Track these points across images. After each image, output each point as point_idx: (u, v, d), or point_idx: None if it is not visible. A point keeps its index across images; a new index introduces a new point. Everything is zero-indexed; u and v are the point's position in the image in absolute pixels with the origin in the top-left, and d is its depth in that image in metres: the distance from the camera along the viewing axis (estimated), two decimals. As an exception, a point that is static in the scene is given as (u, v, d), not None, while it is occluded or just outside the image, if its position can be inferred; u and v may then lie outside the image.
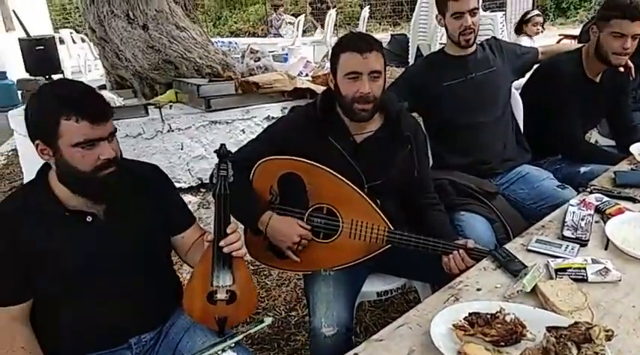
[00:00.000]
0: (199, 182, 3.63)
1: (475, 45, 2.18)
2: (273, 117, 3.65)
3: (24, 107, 1.32)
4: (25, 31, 7.83)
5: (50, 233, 1.28)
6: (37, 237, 1.27)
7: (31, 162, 3.72)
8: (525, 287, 1.22)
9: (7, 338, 1.26)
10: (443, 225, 1.74)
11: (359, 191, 1.63)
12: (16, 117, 3.75)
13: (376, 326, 2.13)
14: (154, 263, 1.43)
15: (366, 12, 9.23)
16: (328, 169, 1.62)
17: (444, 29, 2.22)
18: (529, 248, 1.45)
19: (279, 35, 10.56)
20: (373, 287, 1.79)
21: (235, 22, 14.87)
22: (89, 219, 1.32)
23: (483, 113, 2.15)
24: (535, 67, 2.41)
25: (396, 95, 1.84)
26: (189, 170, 3.58)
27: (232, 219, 1.38)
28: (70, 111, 1.19)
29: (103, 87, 4.27)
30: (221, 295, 1.34)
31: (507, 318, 1.07)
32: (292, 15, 11.72)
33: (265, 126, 3.64)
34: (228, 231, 1.33)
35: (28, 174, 3.84)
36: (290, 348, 2.10)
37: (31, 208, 1.29)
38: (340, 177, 1.62)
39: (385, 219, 1.62)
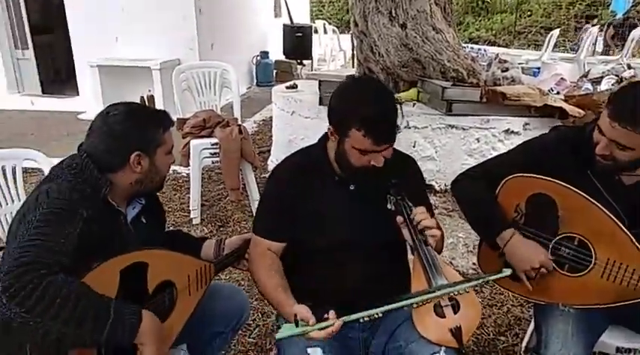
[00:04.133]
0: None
1: None
2: (512, 131, 3.48)
3: (332, 93, 1.49)
4: (290, 18, 8.91)
5: (320, 192, 1.48)
6: (307, 192, 1.47)
7: (282, 132, 4.24)
8: None
9: (268, 261, 1.49)
10: None
11: (626, 230, 1.44)
12: (277, 93, 4.32)
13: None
14: (396, 243, 1.50)
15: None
16: (591, 199, 1.47)
17: None
18: None
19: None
20: (614, 340, 1.59)
21: (477, 29, 14.50)
22: (352, 187, 1.48)
23: None
24: None
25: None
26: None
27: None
28: (363, 128, 1.34)
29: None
30: (444, 303, 1.36)
31: None
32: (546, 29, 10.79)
33: (502, 138, 3.53)
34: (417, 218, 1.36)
35: (278, 141, 4.38)
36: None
37: (309, 167, 1.50)
38: (605, 210, 1.46)
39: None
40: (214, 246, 1.63)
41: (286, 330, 1.27)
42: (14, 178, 2.30)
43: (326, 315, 1.27)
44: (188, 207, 3.57)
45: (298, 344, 1.33)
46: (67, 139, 5.15)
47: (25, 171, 2.31)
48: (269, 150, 4.72)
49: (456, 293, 1.33)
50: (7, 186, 2.29)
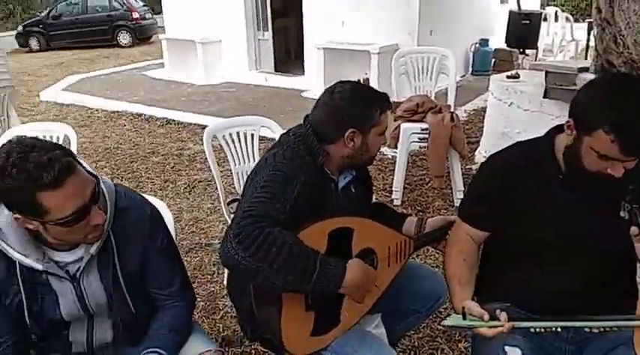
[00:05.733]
0: None
1: None
2: None
3: (584, 84, 1.34)
4: (519, 4, 8.32)
5: (540, 188, 1.38)
6: (524, 187, 1.39)
7: (496, 123, 4.05)
8: None
9: (463, 246, 1.48)
10: None
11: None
12: (496, 82, 4.11)
13: None
14: (623, 255, 1.35)
15: None
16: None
17: None
18: None
19: None
20: None
21: None
22: (577, 187, 1.35)
23: None
24: None
25: None
26: None
27: None
28: (613, 132, 1.18)
29: (585, 69, 4.13)
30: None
31: None
32: None
33: None
34: None
35: (490, 133, 4.21)
36: None
37: (530, 161, 1.41)
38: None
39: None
40: (415, 223, 1.67)
41: (454, 320, 1.28)
42: (252, 141, 2.67)
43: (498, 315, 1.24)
44: (390, 187, 3.68)
45: (495, 340, 1.30)
46: (291, 113, 5.74)
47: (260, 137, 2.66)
48: (478, 141, 4.55)
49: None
50: (246, 147, 2.67)
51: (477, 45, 8.11)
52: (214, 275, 2.87)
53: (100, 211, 1.21)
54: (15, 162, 1.07)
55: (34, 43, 14.01)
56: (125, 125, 5.98)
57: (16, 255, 1.20)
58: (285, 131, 1.57)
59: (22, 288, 1.23)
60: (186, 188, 4.14)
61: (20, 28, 14.29)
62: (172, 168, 4.59)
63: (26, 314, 1.26)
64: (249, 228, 1.20)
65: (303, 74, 7.46)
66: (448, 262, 1.48)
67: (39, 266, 1.22)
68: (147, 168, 4.60)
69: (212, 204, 3.83)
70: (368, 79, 6.37)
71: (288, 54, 8.85)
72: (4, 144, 1.12)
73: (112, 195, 1.29)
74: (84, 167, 1.19)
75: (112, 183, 1.32)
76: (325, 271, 1.26)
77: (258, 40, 8.02)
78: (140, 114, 6.28)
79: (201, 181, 4.27)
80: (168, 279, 1.42)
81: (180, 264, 1.49)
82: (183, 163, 4.69)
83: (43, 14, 14.69)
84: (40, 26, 14.09)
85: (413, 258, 2.17)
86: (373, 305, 1.52)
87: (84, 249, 1.27)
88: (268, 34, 7.93)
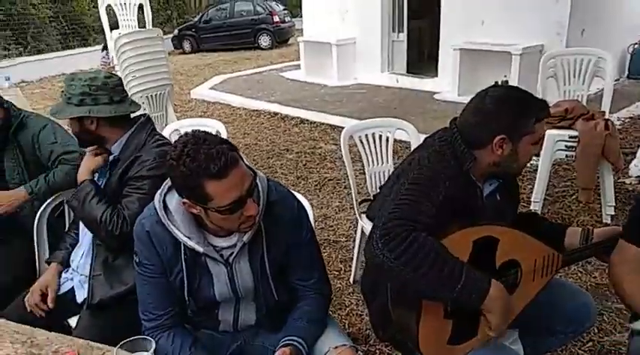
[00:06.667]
0: None
1: None
2: None
3: None
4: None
5: None
6: None
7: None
8: None
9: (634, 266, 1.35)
10: None
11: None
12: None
13: None
14: None
15: None
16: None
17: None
18: None
19: None
20: None
21: None
22: None
23: None
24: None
25: None
26: None
27: None
28: None
29: None
30: None
31: None
32: None
33: None
34: None
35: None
36: None
37: None
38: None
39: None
40: (580, 233, 1.54)
41: None
42: (387, 143, 2.69)
43: None
44: (529, 198, 3.46)
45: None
46: (422, 115, 5.64)
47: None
48: (633, 153, 4.09)
49: None
50: (380, 149, 2.69)
51: (637, 46, 7.29)
52: (341, 272, 2.94)
53: (254, 204, 1.30)
54: (189, 152, 1.20)
55: (186, 45, 15.46)
56: (263, 123, 6.36)
57: (182, 237, 1.34)
58: (430, 134, 1.55)
59: (184, 267, 1.38)
60: (316, 185, 4.29)
61: (176, 31, 15.84)
62: (304, 165, 4.78)
63: (186, 291, 1.40)
64: (397, 230, 1.21)
65: (436, 76, 7.29)
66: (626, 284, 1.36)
67: (200, 249, 1.35)
68: (282, 164, 4.85)
69: (340, 202, 3.92)
70: (507, 82, 6.04)
71: (421, 55, 8.72)
72: (181, 136, 1.27)
73: (264, 188, 1.38)
74: (244, 162, 1.29)
75: (265, 178, 1.42)
76: (470, 283, 1.23)
77: (392, 41, 8.01)
78: (276, 113, 6.63)
79: (330, 179, 4.39)
80: (309, 271, 1.49)
81: (320, 258, 1.55)
82: (314, 161, 4.86)
83: (195, 19, 16.15)
84: (193, 30, 15.50)
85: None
86: (513, 320, 1.44)
87: (237, 237, 1.38)
88: (403, 36, 7.89)
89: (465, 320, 1.36)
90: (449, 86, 6.59)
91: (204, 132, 1.26)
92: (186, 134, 1.26)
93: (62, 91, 1.78)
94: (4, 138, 2.11)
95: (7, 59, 11.93)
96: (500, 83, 6.02)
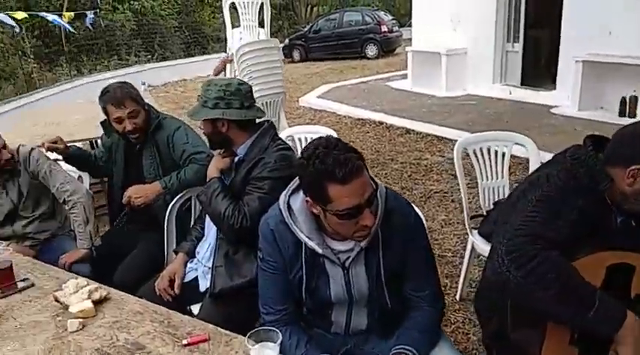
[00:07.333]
0: None
1: None
2: None
3: None
4: None
5: None
6: None
7: None
8: None
9: None
10: None
11: None
12: None
13: None
14: None
15: None
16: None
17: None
18: None
19: None
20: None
21: None
22: None
23: None
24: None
25: None
26: None
27: None
28: None
29: None
30: None
31: None
32: None
33: None
34: None
35: None
36: None
37: None
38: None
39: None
40: None
41: None
42: (503, 158, 2.59)
43: None
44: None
45: None
46: (537, 130, 5.35)
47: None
48: None
49: None
50: (496, 164, 2.60)
51: None
52: (447, 288, 2.87)
53: (371, 215, 1.33)
54: (320, 154, 1.27)
55: (296, 54, 16.02)
56: (368, 132, 6.40)
57: (303, 237, 1.41)
58: (560, 151, 1.48)
59: (304, 266, 1.44)
60: (421, 197, 4.23)
61: (286, 41, 16.49)
62: (409, 176, 4.74)
63: (304, 289, 1.46)
64: (526, 247, 1.17)
65: (554, 89, 6.88)
66: None
67: (319, 250, 1.40)
68: (386, 174, 4.85)
69: (447, 215, 3.83)
70: (636, 98, 5.55)
71: (538, 66, 8.26)
72: (314, 139, 1.35)
73: (382, 196, 1.41)
74: (368, 173, 1.33)
75: (384, 187, 1.44)
76: (604, 310, 1.15)
77: (507, 51, 7.70)
78: (381, 123, 6.65)
79: (437, 192, 4.31)
80: (423, 282, 1.48)
81: (435, 271, 1.54)
82: (419, 172, 4.80)
83: (305, 29, 16.70)
84: (302, 39, 16.04)
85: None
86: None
87: (355, 241, 1.41)
88: (518, 46, 7.55)
89: (591, 350, 1.27)
90: (568, 100, 6.17)
91: (337, 138, 1.32)
92: (320, 137, 1.33)
93: (199, 96, 1.95)
94: (145, 137, 2.34)
95: (138, 65, 13.18)
96: (627, 99, 5.54)
